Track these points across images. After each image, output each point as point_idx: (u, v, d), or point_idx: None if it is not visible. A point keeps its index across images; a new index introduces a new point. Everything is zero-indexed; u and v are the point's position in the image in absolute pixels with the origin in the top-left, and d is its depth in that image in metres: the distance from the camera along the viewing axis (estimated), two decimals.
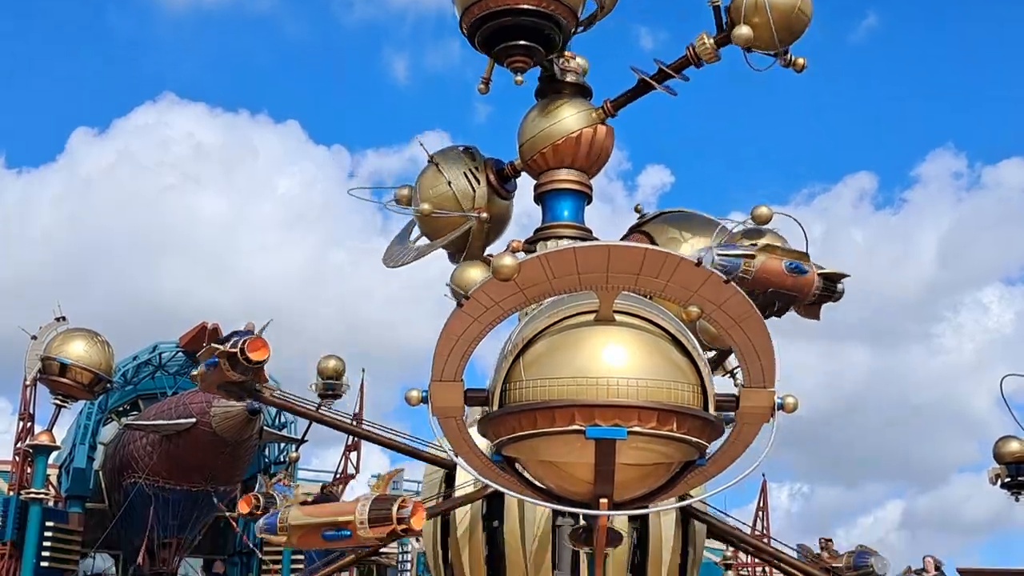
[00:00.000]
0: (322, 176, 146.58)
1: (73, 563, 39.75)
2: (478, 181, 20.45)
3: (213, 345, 19.81)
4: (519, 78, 18.65)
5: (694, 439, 12.94)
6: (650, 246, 11.67)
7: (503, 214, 21.03)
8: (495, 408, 13.28)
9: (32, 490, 33.95)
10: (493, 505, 19.54)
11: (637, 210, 21.07)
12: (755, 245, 17.49)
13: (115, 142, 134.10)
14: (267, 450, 46.33)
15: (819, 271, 17.74)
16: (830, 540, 21.14)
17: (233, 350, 19.37)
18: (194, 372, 21.08)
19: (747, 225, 18.76)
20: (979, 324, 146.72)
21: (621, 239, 20.19)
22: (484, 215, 20.04)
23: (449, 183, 20.39)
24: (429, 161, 20.76)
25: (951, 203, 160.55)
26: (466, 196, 20.31)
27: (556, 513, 18.50)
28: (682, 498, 15.60)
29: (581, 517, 15.04)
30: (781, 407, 12.76)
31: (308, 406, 22.95)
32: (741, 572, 42.44)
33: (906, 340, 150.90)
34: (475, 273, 19.19)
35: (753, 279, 17.23)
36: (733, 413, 13.30)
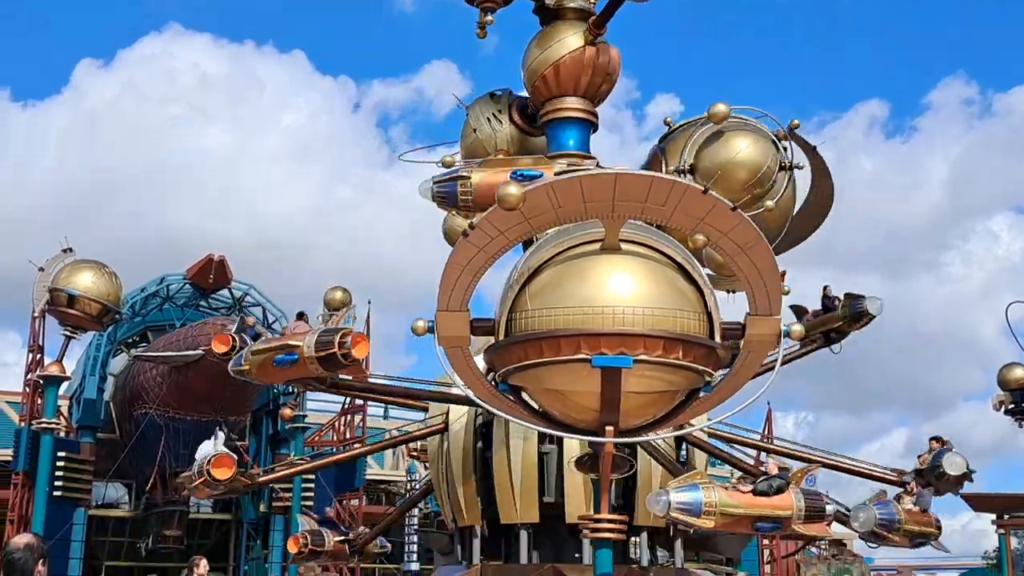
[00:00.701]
0: (327, 107, 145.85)
1: (85, 492, 40.28)
2: (500, 123, 20.38)
3: (288, 342, 17.94)
4: (489, 18, 18.54)
5: (700, 367, 12.98)
6: (657, 174, 11.61)
7: (539, 151, 20.86)
8: (501, 337, 13.33)
9: (43, 420, 34.20)
10: (486, 436, 19.83)
11: (666, 123, 20.92)
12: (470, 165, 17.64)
13: (120, 73, 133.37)
14: None
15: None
16: (935, 440, 21.03)
17: (330, 349, 17.11)
18: (239, 364, 19.20)
19: (706, 124, 18.68)
20: (989, 252, 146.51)
21: (654, 147, 20.15)
22: (500, 156, 19.97)
23: (475, 131, 20.41)
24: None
25: (962, 130, 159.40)
26: (489, 140, 20.23)
27: (541, 440, 18.78)
28: (682, 427, 15.77)
29: (587, 444, 15.14)
30: (787, 334, 12.79)
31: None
32: None
33: (915, 268, 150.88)
34: (461, 221, 19.15)
35: (474, 198, 17.23)
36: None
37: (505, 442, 19.06)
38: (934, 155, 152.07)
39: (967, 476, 20.00)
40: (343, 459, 24.31)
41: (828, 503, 17.18)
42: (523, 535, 19.38)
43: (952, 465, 19.79)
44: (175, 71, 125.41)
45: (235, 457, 18.77)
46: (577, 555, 19.35)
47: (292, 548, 21.41)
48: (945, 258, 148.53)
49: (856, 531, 17.07)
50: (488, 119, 20.41)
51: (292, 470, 23.45)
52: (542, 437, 18.83)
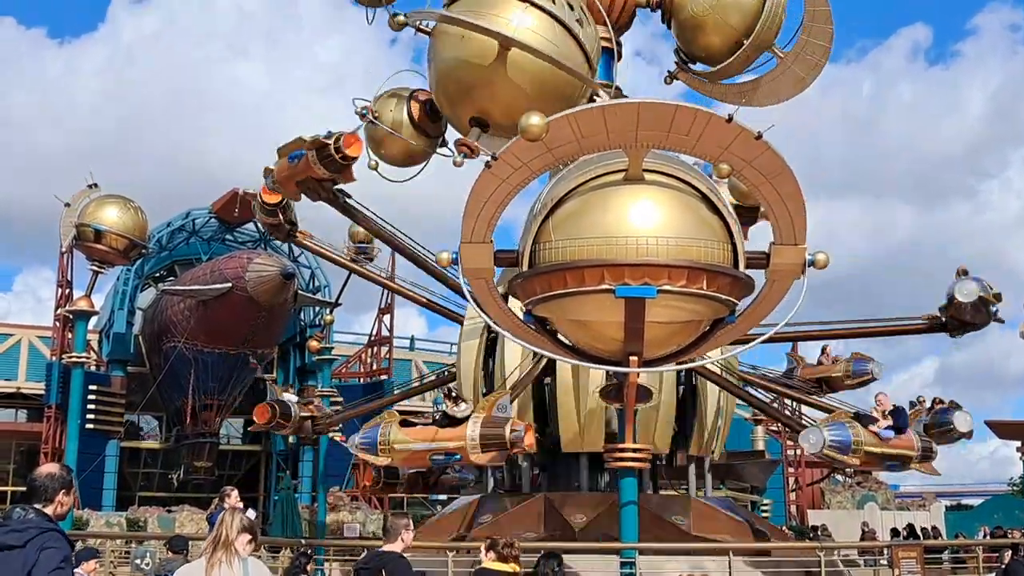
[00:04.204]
0: (364, 41, 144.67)
1: (117, 424, 40.88)
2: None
3: (301, 137, 18.74)
4: (459, 160, 17.78)
5: (724, 296, 12.94)
6: (681, 103, 11.46)
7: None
8: (525, 268, 13.31)
9: (74, 354, 34.55)
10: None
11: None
12: None
13: (157, 10, 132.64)
14: (302, 314, 46.95)
15: None
16: (937, 400, 21.30)
17: (327, 141, 18.30)
18: (269, 166, 19.72)
19: None
20: None
21: None
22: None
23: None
24: None
25: (1005, 57, 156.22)
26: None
27: (544, 373, 18.94)
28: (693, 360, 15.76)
29: (611, 374, 15.20)
30: (812, 264, 12.71)
31: (340, 256, 22.91)
32: (771, 427, 42.95)
33: (952, 197, 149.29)
34: None
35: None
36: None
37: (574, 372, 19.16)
38: (975, 81, 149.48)
39: (971, 433, 20.35)
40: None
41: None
42: (523, 465, 19.68)
43: (963, 423, 20.01)
44: (213, 6, 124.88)
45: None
46: (576, 484, 19.59)
47: (260, 418, 21.69)
48: (983, 186, 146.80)
49: (808, 452, 17.07)
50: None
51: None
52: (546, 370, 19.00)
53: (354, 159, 18.50)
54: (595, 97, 16.88)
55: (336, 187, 19.61)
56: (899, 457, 16.99)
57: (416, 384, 25.64)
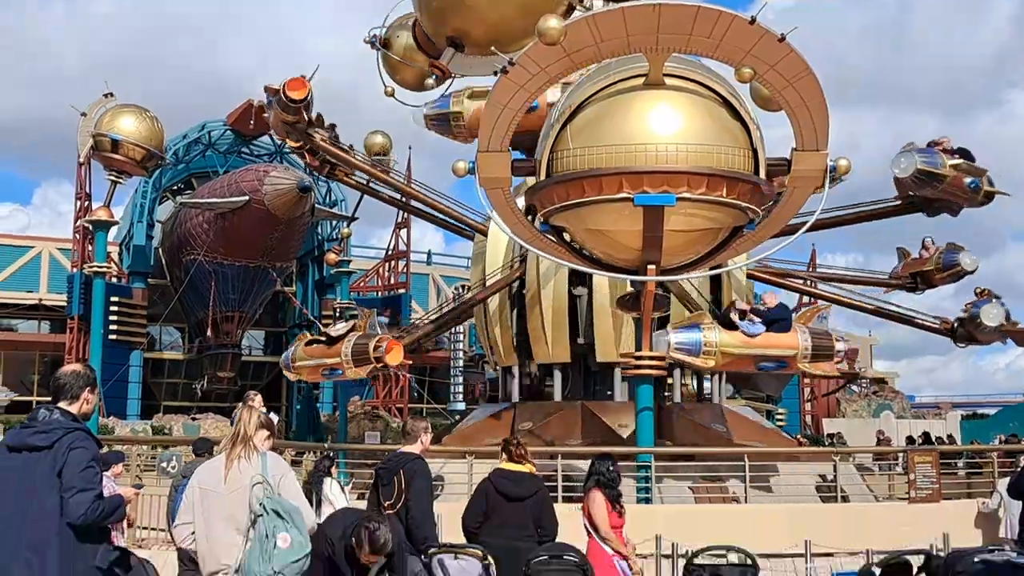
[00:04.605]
0: None
1: (140, 336, 41.30)
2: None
3: (269, 85, 19.94)
4: (431, 81, 20.15)
5: (744, 204, 12.86)
6: (702, 3, 11.24)
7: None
8: (542, 177, 13.23)
9: (95, 264, 34.71)
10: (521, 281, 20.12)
11: None
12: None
13: None
14: (320, 228, 46.98)
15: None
16: (982, 291, 20.86)
17: (277, 88, 19.51)
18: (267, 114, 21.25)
19: None
20: None
21: None
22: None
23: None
24: None
25: None
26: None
27: (572, 281, 18.95)
28: (720, 265, 15.61)
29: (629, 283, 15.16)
30: (834, 170, 12.59)
31: (360, 157, 22.43)
32: None
33: (976, 107, 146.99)
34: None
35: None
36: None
37: (537, 286, 19.21)
38: None
39: (1005, 327, 20.13)
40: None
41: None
42: (556, 374, 19.86)
43: (989, 316, 19.84)
44: None
45: None
46: (609, 392, 19.70)
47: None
48: (1009, 96, 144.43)
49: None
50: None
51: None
52: (573, 280, 18.97)
53: (299, 102, 19.46)
54: (574, 7, 17.03)
55: (316, 128, 20.54)
56: (775, 357, 16.13)
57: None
